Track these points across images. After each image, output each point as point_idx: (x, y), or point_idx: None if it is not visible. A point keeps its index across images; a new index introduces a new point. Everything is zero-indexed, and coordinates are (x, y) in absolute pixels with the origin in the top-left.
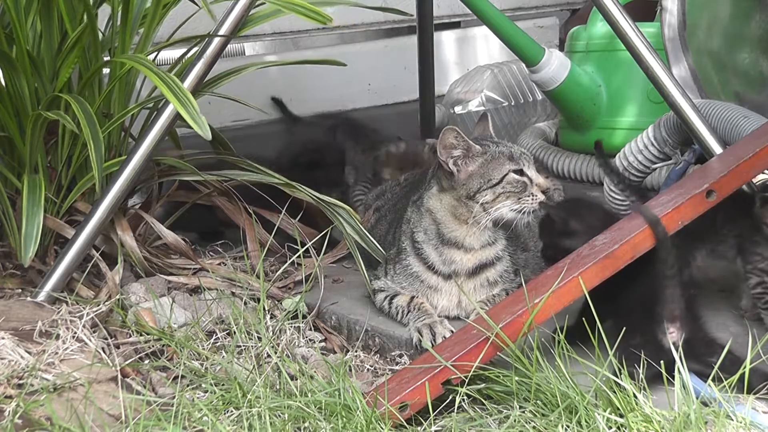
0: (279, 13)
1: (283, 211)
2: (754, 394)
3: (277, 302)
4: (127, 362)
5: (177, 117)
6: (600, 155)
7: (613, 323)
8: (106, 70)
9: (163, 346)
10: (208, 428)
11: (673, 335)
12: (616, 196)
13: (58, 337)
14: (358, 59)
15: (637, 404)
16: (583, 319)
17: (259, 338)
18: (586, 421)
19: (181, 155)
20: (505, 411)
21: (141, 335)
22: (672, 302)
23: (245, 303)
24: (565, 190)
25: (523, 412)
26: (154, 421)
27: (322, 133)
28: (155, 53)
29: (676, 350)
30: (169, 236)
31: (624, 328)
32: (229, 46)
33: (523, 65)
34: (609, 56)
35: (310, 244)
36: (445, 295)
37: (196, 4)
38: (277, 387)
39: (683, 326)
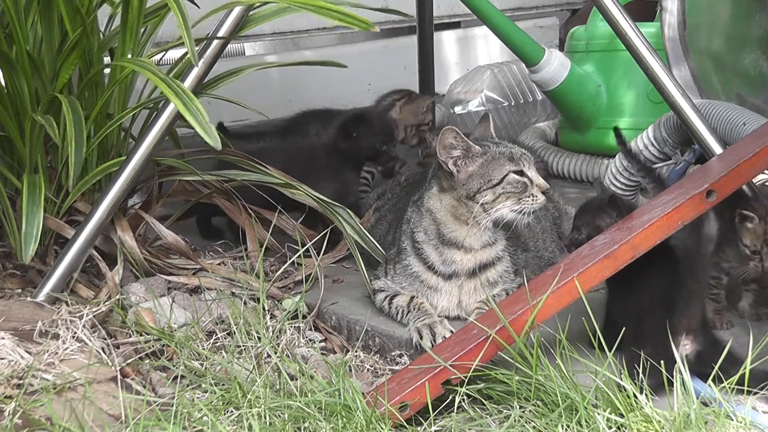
0: (279, 13)
1: (296, 219)
2: (755, 393)
3: (277, 302)
4: (127, 362)
5: (177, 117)
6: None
7: (626, 328)
8: (106, 70)
9: (163, 346)
10: (208, 428)
11: (686, 347)
12: (619, 184)
13: (58, 337)
14: (358, 59)
15: (637, 404)
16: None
17: (259, 338)
18: (586, 421)
19: (181, 154)
20: (505, 411)
21: (141, 335)
22: (693, 316)
23: (245, 303)
24: (566, 191)
25: (524, 412)
26: (154, 421)
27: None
28: (161, 54)
29: (687, 363)
30: (169, 236)
31: (636, 335)
32: (229, 46)
33: (523, 65)
34: (609, 56)
35: (310, 244)
36: (445, 296)
37: (196, 5)
38: (277, 387)
39: (697, 339)
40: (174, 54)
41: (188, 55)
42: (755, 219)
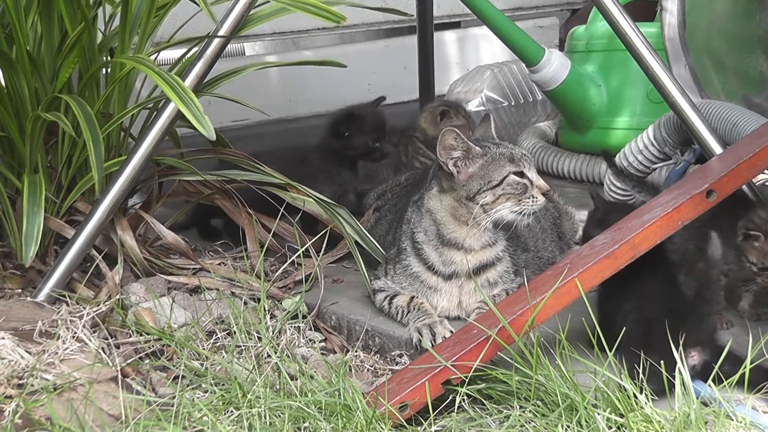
0: (279, 13)
1: (294, 219)
2: (755, 393)
3: (277, 302)
4: (127, 362)
5: (177, 117)
6: (610, 163)
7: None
8: (105, 70)
9: (163, 346)
10: (208, 428)
11: (693, 359)
12: (618, 196)
13: (58, 337)
14: (358, 59)
15: (637, 404)
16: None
17: (259, 338)
18: (586, 421)
19: (181, 154)
20: (505, 411)
21: (141, 335)
22: (702, 330)
23: (245, 303)
24: (566, 191)
25: (524, 412)
26: (154, 421)
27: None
28: (156, 54)
29: (694, 374)
30: (169, 236)
31: (638, 340)
32: (229, 46)
33: (523, 65)
34: (609, 56)
35: (309, 243)
36: (445, 296)
37: (196, 3)
38: (277, 387)
39: (704, 351)
40: (172, 54)
41: (189, 54)
42: (761, 237)
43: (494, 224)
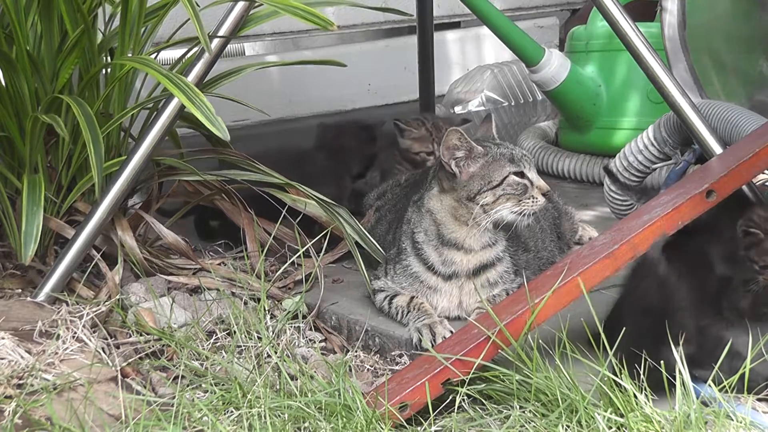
0: (277, 14)
1: (300, 221)
2: (755, 394)
3: (277, 302)
4: (127, 362)
5: (178, 117)
6: (612, 179)
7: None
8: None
9: (163, 346)
10: (208, 428)
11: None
12: (617, 198)
13: (58, 337)
14: (358, 59)
15: (637, 404)
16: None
17: (259, 338)
18: (586, 422)
19: (181, 154)
20: (505, 411)
21: (141, 335)
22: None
23: (245, 303)
24: (566, 191)
25: (524, 412)
26: (154, 421)
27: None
28: (155, 54)
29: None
30: (169, 236)
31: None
32: (229, 46)
33: (523, 65)
34: (609, 56)
35: (310, 244)
36: (445, 296)
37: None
38: (277, 387)
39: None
40: (168, 55)
41: (189, 54)
42: (760, 235)
43: (494, 225)
